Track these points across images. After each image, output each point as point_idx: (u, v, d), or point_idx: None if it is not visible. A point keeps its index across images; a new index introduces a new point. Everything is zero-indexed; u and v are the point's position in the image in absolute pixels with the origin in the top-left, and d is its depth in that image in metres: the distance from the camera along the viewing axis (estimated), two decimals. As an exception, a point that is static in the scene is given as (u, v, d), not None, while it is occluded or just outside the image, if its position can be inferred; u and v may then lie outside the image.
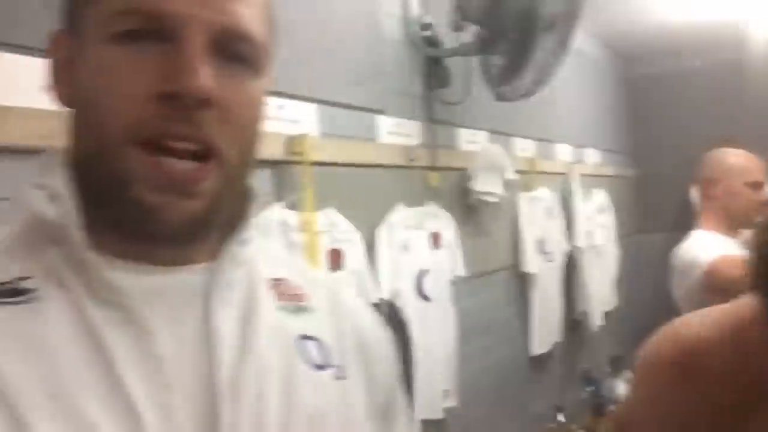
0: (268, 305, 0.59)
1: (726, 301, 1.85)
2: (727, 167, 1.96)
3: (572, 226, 2.88)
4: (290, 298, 0.62)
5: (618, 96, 4.02)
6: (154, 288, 0.54)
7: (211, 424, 0.51)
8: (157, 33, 0.50)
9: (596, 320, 3.03)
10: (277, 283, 0.62)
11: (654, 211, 4.05)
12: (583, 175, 3.11)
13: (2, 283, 0.51)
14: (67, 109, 0.56)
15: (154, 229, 0.52)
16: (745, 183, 1.93)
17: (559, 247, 2.75)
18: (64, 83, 0.56)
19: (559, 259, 2.75)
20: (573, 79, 3.14)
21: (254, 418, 0.52)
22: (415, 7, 1.95)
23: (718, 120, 3.57)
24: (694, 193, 3.17)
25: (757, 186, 1.93)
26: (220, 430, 0.51)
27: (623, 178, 3.95)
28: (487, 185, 2.16)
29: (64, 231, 0.52)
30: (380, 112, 1.79)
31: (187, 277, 0.56)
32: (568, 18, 1.81)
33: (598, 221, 3.21)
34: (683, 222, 3.81)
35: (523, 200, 2.54)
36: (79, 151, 0.55)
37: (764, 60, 3.54)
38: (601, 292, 3.12)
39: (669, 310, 3.81)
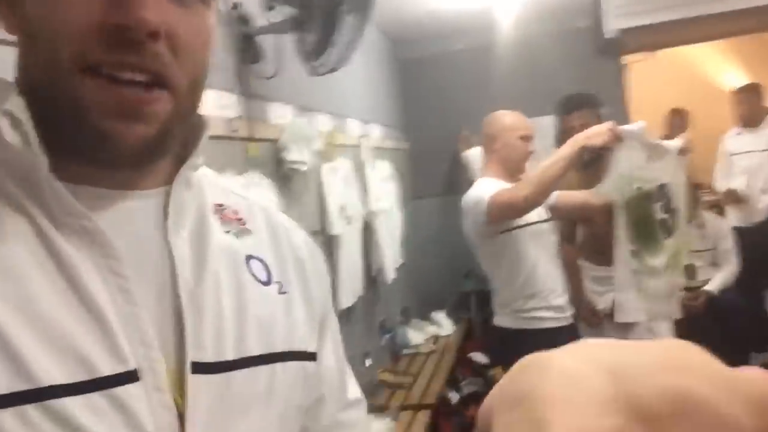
0: (216, 228, 0.63)
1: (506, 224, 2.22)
2: (504, 125, 2.38)
3: (366, 192, 3.19)
4: (233, 222, 0.66)
5: (393, 76, 4.43)
6: (113, 210, 0.56)
7: (176, 334, 0.55)
8: None
9: (390, 275, 3.40)
10: (220, 208, 0.66)
11: (427, 179, 4.56)
12: (370, 148, 3.44)
13: None
14: (15, 37, 0.55)
15: (109, 153, 0.53)
16: (518, 137, 2.36)
17: (357, 211, 3.03)
18: (9, 11, 0.55)
19: (358, 222, 3.04)
20: (356, 61, 3.43)
21: (214, 328, 0.57)
22: (222, -14, 2.04)
23: (477, 96, 4.13)
24: (472, 153, 3.66)
25: (527, 139, 2.38)
26: (186, 338, 0.55)
27: (401, 150, 4.39)
28: (297, 155, 2.34)
29: (24, 157, 0.52)
30: (201, 85, 1.88)
31: (144, 200, 0.59)
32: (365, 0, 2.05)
33: (385, 188, 3.57)
34: (451, 187, 4.38)
35: (325, 170, 2.76)
36: (30, 78, 0.54)
37: (510, 42, 4.19)
38: (392, 250, 3.49)
39: (446, 264, 4.35)
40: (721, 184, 4.17)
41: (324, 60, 2.00)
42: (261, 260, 0.66)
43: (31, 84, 0.54)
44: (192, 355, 0.55)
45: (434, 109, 4.47)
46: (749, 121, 4.04)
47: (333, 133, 2.93)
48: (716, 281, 3.53)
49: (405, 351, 3.62)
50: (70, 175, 0.54)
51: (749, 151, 3.99)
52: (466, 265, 4.27)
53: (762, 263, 3.67)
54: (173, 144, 0.59)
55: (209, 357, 0.56)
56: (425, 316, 4.09)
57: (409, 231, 4.00)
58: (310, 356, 0.67)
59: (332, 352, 0.73)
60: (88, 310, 0.51)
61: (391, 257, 3.46)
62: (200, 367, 0.55)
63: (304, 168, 2.38)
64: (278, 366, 0.61)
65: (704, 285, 3.51)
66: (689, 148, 2.17)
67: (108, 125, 0.52)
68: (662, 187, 2.15)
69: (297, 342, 0.65)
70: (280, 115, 2.38)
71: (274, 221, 0.71)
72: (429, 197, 4.54)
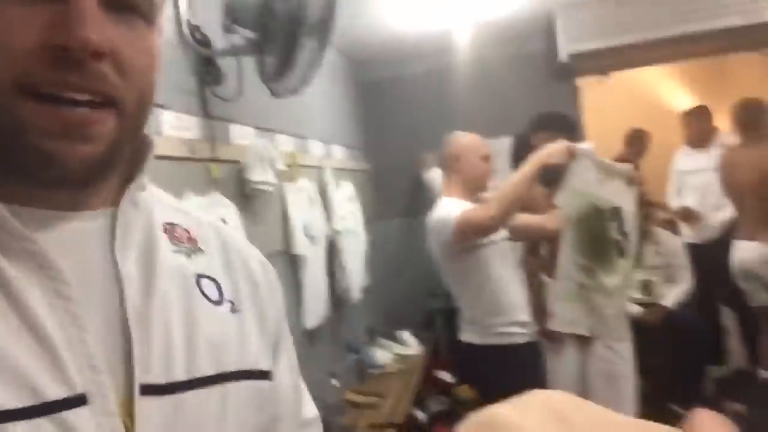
0: (165, 247, 0.63)
1: (472, 243, 2.27)
2: (465, 145, 2.45)
3: (330, 212, 3.22)
4: (183, 241, 0.65)
5: (354, 98, 4.49)
6: (58, 232, 0.55)
7: (124, 356, 0.54)
8: None
9: (355, 295, 3.41)
10: (170, 227, 0.65)
11: (390, 200, 4.60)
12: (332, 169, 3.47)
13: None
14: None
15: (53, 174, 0.52)
16: (479, 157, 2.43)
17: (321, 231, 3.05)
18: None
19: (322, 242, 3.05)
20: (317, 82, 3.48)
21: (163, 349, 0.57)
22: (182, 9, 2.07)
23: (436, 118, 4.21)
24: (433, 174, 3.73)
25: (487, 159, 2.45)
26: (134, 361, 0.54)
27: (363, 171, 4.43)
28: (260, 176, 2.36)
29: None
30: (162, 107, 1.89)
31: (90, 222, 0.58)
32: (326, 23, 2.10)
33: (348, 209, 3.60)
34: (414, 208, 4.43)
35: (289, 190, 2.78)
36: None
37: (467, 65, 4.29)
38: (357, 271, 3.51)
39: (410, 283, 4.38)
40: (674, 201, 4.31)
41: (285, 82, 2.03)
42: (212, 279, 0.65)
43: None
44: (140, 378, 0.54)
45: (395, 130, 4.54)
46: (698, 141, 4.21)
47: (295, 154, 2.96)
48: (671, 296, 3.63)
49: (371, 371, 3.63)
50: (13, 197, 0.53)
51: (699, 170, 4.14)
52: (431, 285, 4.31)
53: (716, 278, 3.79)
54: (120, 164, 0.58)
55: (158, 378, 0.55)
56: (391, 336, 4.10)
57: (373, 252, 4.02)
58: (264, 375, 0.66)
59: (287, 371, 0.72)
60: (34, 333, 0.50)
61: (356, 277, 3.47)
62: (149, 389, 0.55)
63: (268, 188, 2.40)
64: (231, 385, 0.61)
65: (660, 301, 3.61)
66: (638, 179, 2.26)
67: (52, 146, 0.51)
68: (616, 210, 2.23)
69: (250, 361, 0.64)
70: (242, 136, 2.40)
71: (226, 241, 0.71)
72: (392, 218, 4.58)
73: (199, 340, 0.59)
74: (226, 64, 2.17)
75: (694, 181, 4.17)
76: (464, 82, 4.38)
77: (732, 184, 3.36)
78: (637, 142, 5.03)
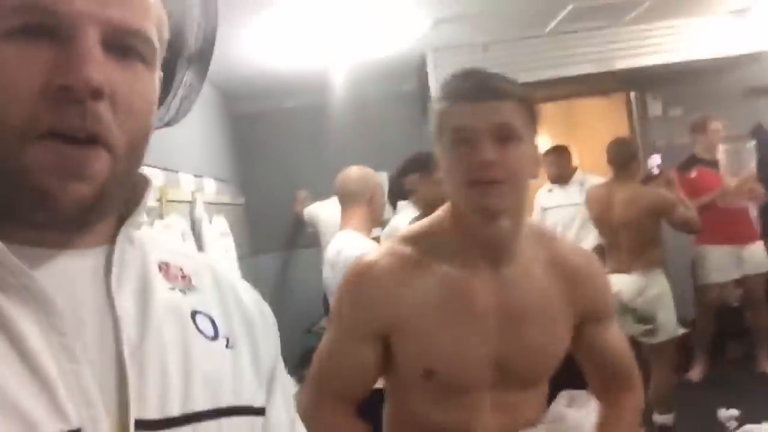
0: (160, 285, 0.63)
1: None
2: (377, 182, 2.47)
3: (203, 249, 3.06)
4: (177, 279, 0.66)
5: (226, 131, 4.37)
6: (53, 269, 0.56)
7: (119, 391, 0.55)
8: (50, 30, 0.52)
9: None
10: (164, 265, 0.66)
11: (265, 235, 4.49)
12: (204, 203, 3.32)
13: None
14: None
15: (47, 214, 0.53)
16: (382, 193, 2.46)
17: (193, 270, 2.89)
18: None
19: (194, 281, 2.89)
20: (188, 115, 3.33)
21: (159, 384, 0.57)
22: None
23: (311, 153, 4.20)
24: (312, 209, 3.69)
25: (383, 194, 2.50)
26: (129, 396, 0.54)
27: (237, 205, 4.29)
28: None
29: None
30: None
31: (85, 259, 0.58)
32: (204, 54, 2.01)
33: (222, 245, 3.45)
34: (289, 243, 4.36)
35: (159, 227, 2.61)
36: None
37: (342, 102, 4.32)
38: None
39: (287, 320, 4.28)
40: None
41: (162, 113, 1.91)
42: (207, 315, 0.66)
43: None
44: (135, 413, 0.54)
45: (269, 164, 4.48)
46: (559, 178, 4.49)
47: (165, 188, 2.79)
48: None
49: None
50: (6, 236, 0.53)
51: (560, 206, 4.41)
52: (307, 321, 4.23)
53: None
54: (112, 205, 0.59)
55: (153, 414, 0.56)
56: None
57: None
58: (258, 411, 0.67)
59: (282, 407, 0.72)
60: (30, 368, 0.51)
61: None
62: (144, 425, 0.55)
63: (137, 228, 2.23)
64: (225, 421, 0.61)
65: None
66: None
67: (48, 184, 0.52)
68: None
69: (245, 397, 0.65)
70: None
71: (220, 278, 0.71)
72: (267, 252, 4.47)
73: (195, 375, 0.60)
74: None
75: (556, 216, 4.44)
76: (340, 118, 4.41)
77: (606, 219, 3.54)
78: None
